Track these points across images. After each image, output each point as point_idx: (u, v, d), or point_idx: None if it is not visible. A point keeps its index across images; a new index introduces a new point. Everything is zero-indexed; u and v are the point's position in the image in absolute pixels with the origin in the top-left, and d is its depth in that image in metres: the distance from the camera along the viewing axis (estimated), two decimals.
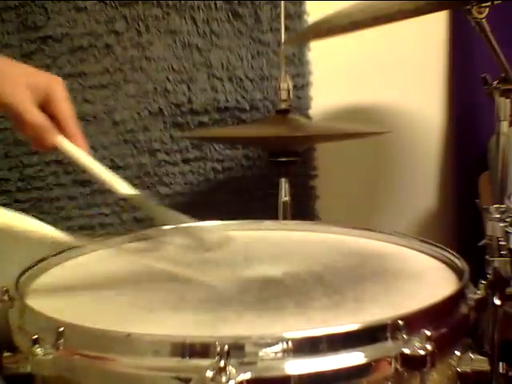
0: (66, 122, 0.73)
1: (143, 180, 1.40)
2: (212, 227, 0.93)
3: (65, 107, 0.74)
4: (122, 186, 0.75)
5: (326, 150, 1.48)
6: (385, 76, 1.48)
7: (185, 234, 0.78)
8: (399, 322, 0.51)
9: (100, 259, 0.83)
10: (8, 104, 0.69)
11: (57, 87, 0.73)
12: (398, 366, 0.50)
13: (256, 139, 1.20)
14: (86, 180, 1.34)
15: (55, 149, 0.73)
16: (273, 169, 1.22)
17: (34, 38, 1.29)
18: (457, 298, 0.60)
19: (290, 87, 1.18)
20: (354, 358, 0.49)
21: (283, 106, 1.18)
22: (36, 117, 0.70)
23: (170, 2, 1.35)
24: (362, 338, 0.51)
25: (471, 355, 0.57)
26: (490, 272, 0.73)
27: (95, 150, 1.35)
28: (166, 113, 1.38)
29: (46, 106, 0.72)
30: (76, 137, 0.74)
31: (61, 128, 0.73)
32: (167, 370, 0.48)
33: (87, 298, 0.66)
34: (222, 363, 0.45)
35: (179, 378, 0.48)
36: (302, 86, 1.44)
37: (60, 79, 0.75)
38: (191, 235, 0.77)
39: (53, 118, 0.73)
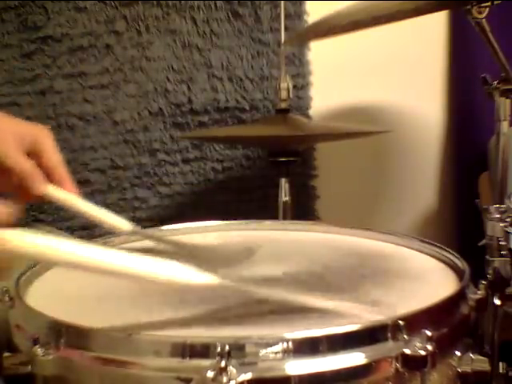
0: (54, 169, 0.72)
1: (143, 180, 1.40)
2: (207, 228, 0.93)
3: (53, 155, 0.72)
4: (122, 223, 0.75)
5: (326, 150, 1.48)
6: (385, 76, 1.48)
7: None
8: (400, 322, 0.51)
9: None
10: None
11: (44, 137, 0.72)
12: (399, 367, 0.50)
13: (256, 139, 1.20)
14: (86, 180, 1.34)
15: (43, 199, 0.71)
16: (273, 169, 1.22)
17: (33, 38, 1.29)
18: (457, 298, 0.60)
19: (290, 87, 1.18)
20: (354, 358, 0.49)
21: (283, 105, 1.18)
22: (23, 164, 0.68)
23: (169, 2, 1.35)
24: (363, 338, 0.51)
25: (471, 355, 0.57)
26: (490, 272, 0.74)
27: (95, 150, 1.35)
28: (165, 113, 1.38)
29: (33, 156, 0.70)
30: (66, 183, 0.72)
31: (49, 176, 0.71)
32: (168, 371, 0.48)
33: (87, 298, 0.66)
34: (222, 363, 0.45)
35: (180, 379, 0.48)
36: (301, 86, 1.44)
37: (47, 129, 0.73)
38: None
39: (41, 165, 0.71)
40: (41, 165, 0.71)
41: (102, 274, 0.56)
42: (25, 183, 0.69)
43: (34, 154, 0.71)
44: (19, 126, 0.71)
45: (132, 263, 0.56)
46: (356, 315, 0.57)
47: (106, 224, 0.74)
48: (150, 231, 0.91)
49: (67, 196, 0.73)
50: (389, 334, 0.51)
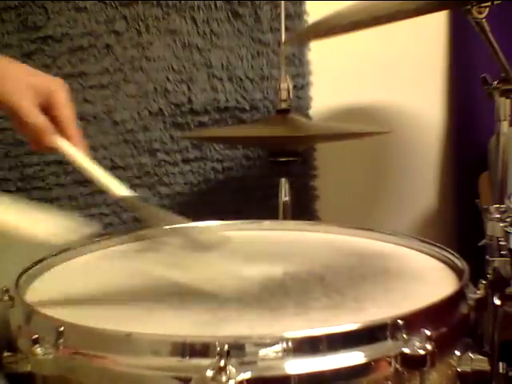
0: (66, 124, 0.73)
1: (143, 180, 1.40)
2: (207, 227, 0.93)
3: (66, 109, 0.74)
4: (118, 188, 0.75)
5: (326, 150, 1.48)
6: (385, 76, 1.48)
7: (181, 235, 0.78)
8: (399, 321, 0.51)
9: (100, 259, 0.83)
10: (8, 103, 0.69)
11: (59, 89, 0.73)
12: (398, 366, 0.50)
13: (256, 139, 1.20)
14: (86, 180, 1.34)
15: (53, 150, 0.73)
16: (273, 169, 1.22)
17: (34, 38, 1.29)
18: (457, 297, 0.60)
19: (290, 87, 1.18)
20: (353, 357, 0.49)
21: (283, 105, 1.18)
22: (35, 117, 0.70)
23: (169, 2, 1.35)
24: (362, 337, 0.51)
25: (471, 355, 0.57)
26: (490, 272, 0.73)
27: (95, 150, 1.35)
28: (165, 113, 1.38)
29: (47, 108, 0.72)
30: (76, 139, 0.74)
31: (61, 130, 0.73)
32: (167, 370, 0.48)
33: (87, 298, 0.66)
34: (222, 363, 0.45)
35: (179, 378, 0.48)
36: (301, 86, 1.44)
37: (63, 82, 0.75)
38: (187, 236, 0.77)
39: (53, 119, 0.73)
40: (53, 118, 0.72)
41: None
42: (37, 136, 0.71)
43: (47, 106, 0.72)
44: (36, 78, 0.73)
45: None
46: None
47: (104, 185, 0.75)
48: (152, 231, 0.91)
49: (76, 152, 0.74)
50: (388, 334, 0.51)
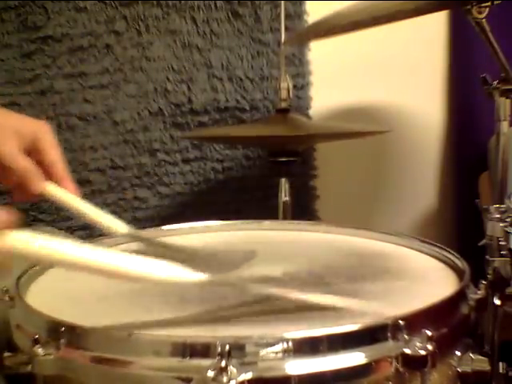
0: (53, 167, 0.71)
1: (143, 180, 1.40)
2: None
3: (52, 152, 0.71)
4: (117, 225, 0.74)
5: (326, 150, 1.48)
6: (384, 76, 1.48)
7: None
8: (400, 322, 0.51)
9: None
10: None
11: (44, 133, 0.71)
12: (399, 366, 0.50)
13: (256, 139, 1.20)
14: (86, 180, 1.34)
15: (40, 197, 0.70)
16: (273, 169, 1.22)
17: (33, 38, 1.29)
18: (457, 298, 0.60)
19: (290, 87, 1.18)
20: (354, 358, 0.49)
21: (283, 105, 1.18)
22: (21, 162, 0.68)
23: (169, 2, 1.35)
24: (363, 338, 0.51)
25: (471, 355, 0.57)
26: (490, 272, 0.73)
27: (95, 150, 1.35)
28: (165, 113, 1.38)
29: (32, 153, 0.70)
30: (65, 181, 0.72)
31: (49, 173, 0.71)
32: (168, 370, 0.48)
33: (87, 298, 0.66)
34: (223, 363, 0.45)
35: (180, 378, 0.48)
36: (301, 86, 1.44)
37: (47, 125, 0.72)
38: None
39: (40, 163, 0.70)
40: (40, 162, 0.70)
41: (99, 274, 0.56)
42: (23, 182, 0.68)
43: (33, 150, 0.70)
44: (20, 122, 0.71)
45: (128, 264, 0.57)
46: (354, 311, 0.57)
47: (102, 225, 0.73)
48: (148, 233, 0.91)
49: (66, 195, 0.72)
50: (389, 334, 0.51)
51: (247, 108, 1.41)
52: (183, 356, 0.48)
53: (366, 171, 1.53)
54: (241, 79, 1.40)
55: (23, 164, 0.68)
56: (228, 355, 0.46)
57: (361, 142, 1.40)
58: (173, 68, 1.37)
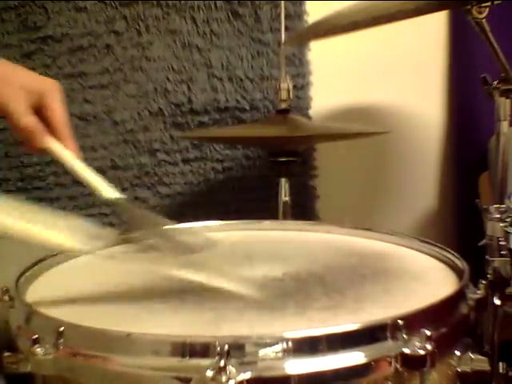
0: (57, 125, 0.73)
1: (143, 180, 1.40)
2: (195, 229, 0.93)
3: (58, 111, 0.73)
4: (107, 190, 0.74)
5: (326, 150, 1.48)
6: (384, 76, 1.48)
7: (166, 238, 0.77)
8: (399, 321, 0.51)
9: (100, 259, 0.83)
10: (0, 104, 0.69)
11: (52, 90, 0.73)
12: (398, 366, 0.50)
13: (256, 139, 1.20)
14: None
15: (45, 151, 0.73)
16: (273, 169, 1.22)
17: (33, 37, 1.29)
18: (457, 297, 0.60)
19: (290, 87, 1.18)
20: (353, 357, 0.49)
21: (283, 105, 1.18)
22: (26, 119, 0.70)
23: (169, 2, 1.35)
24: (362, 337, 0.51)
25: (471, 355, 0.57)
26: (490, 272, 0.73)
27: (95, 150, 1.35)
28: (166, 113, 1.39)
29: (39, 109, 0.72)
30: (67, 140, 0.74)
31: (53, 131, 0.73)
32: (167, 370, 0.48)
33: (87, 298, 0.66)
34: (222, 363, 0.45)
35: (179, 378, 0.48)
36: (301, 86, 1.44)
37: (57, 83, 0.74)
38: (174, 239, 0.77)
39: (46, 120, 0.72)
40: (46, 119, 0.72)
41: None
42: (27, 137, 0.71)
43: (40, 107, 0.72)
44: (28, 78, 0.73)
45: None
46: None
47: (92, 187, 0.74)
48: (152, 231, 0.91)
49: (66, 154, 0.74)
50: (388, 334, 0.51)
51: (247, 108, 1.41)
52: (182, 356, 0.48)
53: (365, 171, 1.53)
54: (241, 79, 1.40)
55: (26, 122, 0.70)
56: (227, 355, 0.46)
57: (361, 142, 1.40)
58: (173, 68, 1.37)
